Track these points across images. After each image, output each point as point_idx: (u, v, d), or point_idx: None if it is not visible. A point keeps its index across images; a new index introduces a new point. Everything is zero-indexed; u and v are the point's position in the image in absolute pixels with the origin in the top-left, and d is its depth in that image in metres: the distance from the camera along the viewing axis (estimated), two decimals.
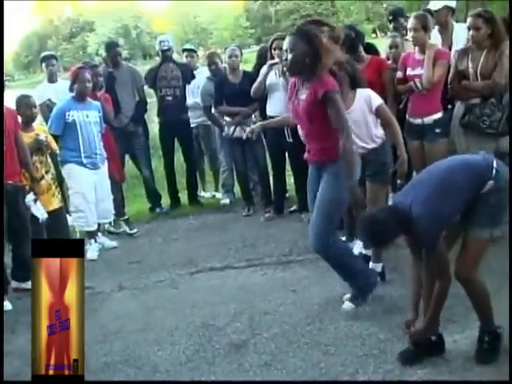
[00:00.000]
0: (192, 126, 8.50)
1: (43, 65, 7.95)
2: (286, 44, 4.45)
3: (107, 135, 7.26)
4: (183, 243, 6.94)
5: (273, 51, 6.97)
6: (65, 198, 7.01)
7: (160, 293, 5.15)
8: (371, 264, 5.13)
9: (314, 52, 4.30)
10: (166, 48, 8.24)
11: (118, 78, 7.82)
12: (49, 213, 6.27)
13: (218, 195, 8.77)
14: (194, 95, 8.38)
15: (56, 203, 6.47)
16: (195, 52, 8.92)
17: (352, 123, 4.72)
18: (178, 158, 8.71)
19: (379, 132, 5.14)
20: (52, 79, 7.90)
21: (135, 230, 7.49)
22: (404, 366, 3.84)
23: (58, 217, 6.44)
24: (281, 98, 6.87)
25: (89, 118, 6.71)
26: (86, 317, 5.14)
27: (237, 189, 8.43)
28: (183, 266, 6.09)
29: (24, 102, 6.30)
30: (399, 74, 5.92)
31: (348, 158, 4.35)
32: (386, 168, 5.21)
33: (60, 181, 6.84)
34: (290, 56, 4.39)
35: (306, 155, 4.76)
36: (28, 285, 5.84)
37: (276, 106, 6.99)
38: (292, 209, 7.53)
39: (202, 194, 8.90)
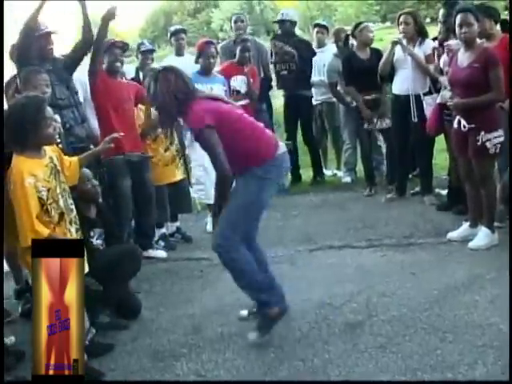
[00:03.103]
0: (316, 102, 8.51)
1: (172, 39, 8.05)
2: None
3: (245, 110, 7.32)
4: (302, 220, 6.93)
5: (400, 26, 6.84)
6: (188, 171, 7.14)
7: (277, 268, 5.11)
8: None
9: None
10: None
11: None
12: (172, 184, 6.43)
13: (340, 173, 8.71)
14: (319, 72, 8.32)
15: (179, 175, 6.60)
16: (326, 28, 8.81)
17: None
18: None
19: None
20: (179, 53, 8.01)
21: None
22: None
23: (180, 188, 6.59)
24: (408, 75, 6.74)
25: (213, 91, 6.77)
26: (204, 287, 5.32)
27: (358, 168, 8.34)
28: (302, 243, 6.09)
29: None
30: None
31: None
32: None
33: (184, 153, 6.97)
34: None
35: None
36: (149, 253, 6.05)
37: (403, 84, 6.85)
38: (414, 191, 7.38)
39: (324, 171, 8.87)
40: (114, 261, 4.52)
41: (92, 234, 4.67)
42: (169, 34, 8.17)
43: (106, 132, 5.77)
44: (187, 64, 7.46)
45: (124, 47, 6.11)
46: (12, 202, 3.81)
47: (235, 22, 8.25)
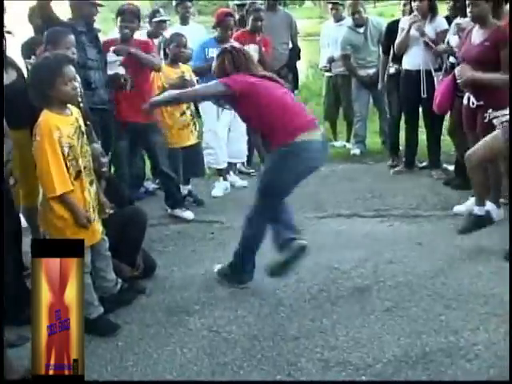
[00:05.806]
0: (331, 75, 8.60)
1: (179, 8, 8.05)
2: None
3: None
4: (312, 188, 6.96)
5: (414, 2, 6.93)
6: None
7: None
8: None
9: None
10: None
11: (273, 23, 7.86)
12: (186, 148, 6.53)
13: (349, 145, 8.80)
14: (336, 46, 8.35)
15: (193, 139, 6.69)
16: (339, 4, 8.79)
17: None
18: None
19: None
20: (185, 22, 8.03)
21: None
22: None
23: (193, 152, 6.69)
24: (419, 51, 6.81)
25: None
26: (215, 249, 5.44)
27: (368, 140, 8.47)
28: (312, 210, 6.22)
29: (175, 40, 6.50)
30: None
31: None
32: None
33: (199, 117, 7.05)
34: None
35: None
36: (175, 212, 6.33)
37: (414, 59, 6.95)
38: (422, 165, 7.50)
39: (333, 143, 8.97)
40: (121, 226, 4.63)
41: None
42: (174, 3, 8.16)
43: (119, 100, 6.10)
44: (193, 33, 7.47)
45: (136, 13, 6.19)
46: (37, 156, 3.90)
47: None
